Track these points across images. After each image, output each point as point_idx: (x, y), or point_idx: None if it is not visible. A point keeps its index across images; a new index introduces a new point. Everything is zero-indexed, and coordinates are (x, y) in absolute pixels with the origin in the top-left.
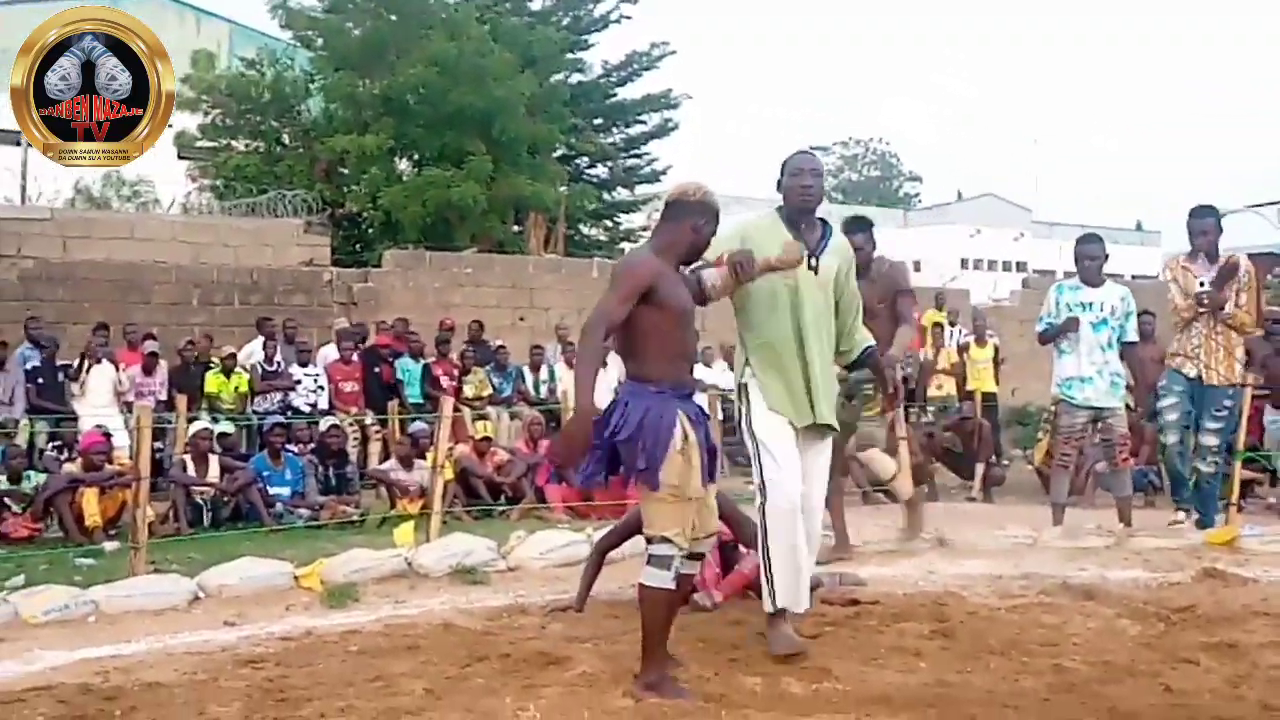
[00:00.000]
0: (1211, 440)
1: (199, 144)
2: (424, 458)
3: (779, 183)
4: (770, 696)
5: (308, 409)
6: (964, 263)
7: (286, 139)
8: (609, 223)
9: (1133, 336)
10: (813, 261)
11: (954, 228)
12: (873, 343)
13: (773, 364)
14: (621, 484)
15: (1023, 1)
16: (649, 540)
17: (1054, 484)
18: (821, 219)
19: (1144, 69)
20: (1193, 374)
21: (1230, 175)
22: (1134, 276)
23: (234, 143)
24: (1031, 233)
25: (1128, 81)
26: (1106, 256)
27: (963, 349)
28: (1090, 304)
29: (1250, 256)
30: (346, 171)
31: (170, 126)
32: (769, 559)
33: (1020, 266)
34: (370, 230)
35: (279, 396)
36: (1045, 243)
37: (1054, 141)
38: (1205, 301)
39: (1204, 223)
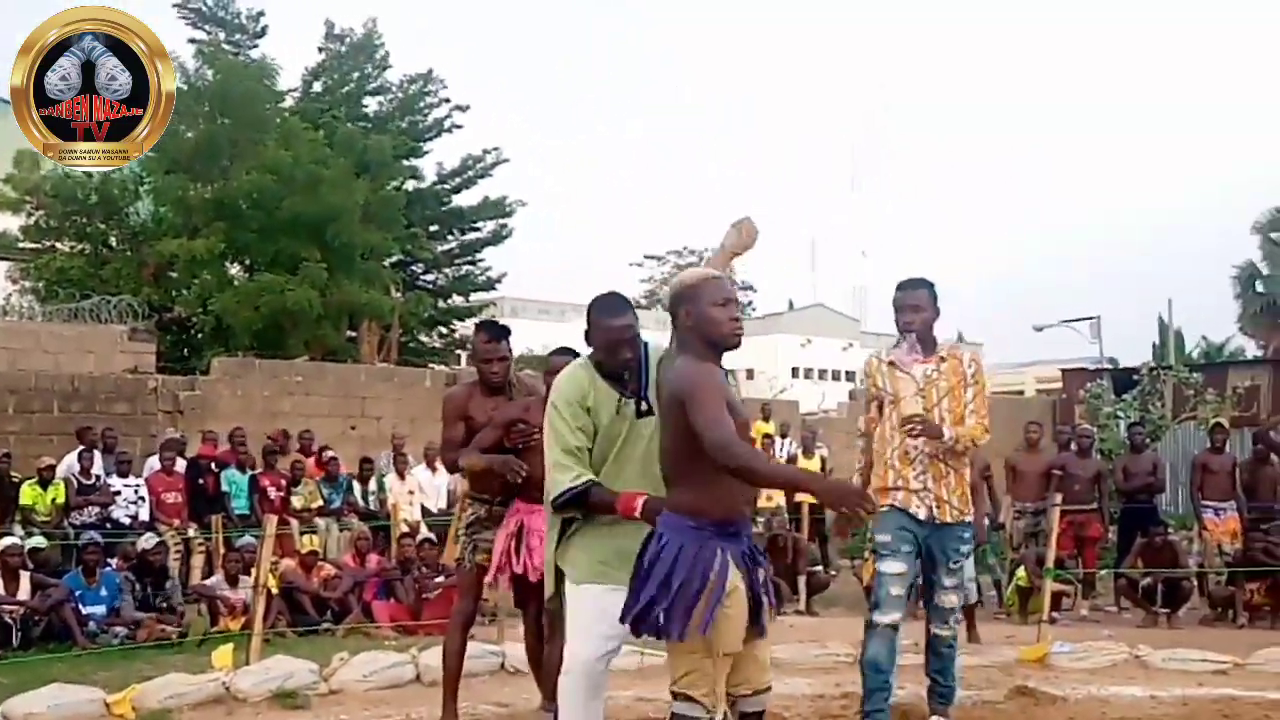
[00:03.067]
0: (952, 599)
1: (21, 245)
2: (249, 573)
3: (586, 334)
4: None
5: (128, 521)
6: (795, 371)
7: (114, 241)
8: (444, 329)
9: None
10: (642, 406)
11: (785, 337)
12: None
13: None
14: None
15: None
16: (672, 695)
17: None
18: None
19: (969, 185)
20: (923, 515)
21: (1045, 290)
22: None
23: (58, 244)
24: (860, 343)
25: (953, 194)
26: None
27: (791, 460)
28: None
29: (1065, 371)
30: (176, 276)
31: None
32: None
33: (849, 376)
34: (200, 336)
35: (97, 509)
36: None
37: (882, 254)
38: (918, 431)
39: (915, 295)
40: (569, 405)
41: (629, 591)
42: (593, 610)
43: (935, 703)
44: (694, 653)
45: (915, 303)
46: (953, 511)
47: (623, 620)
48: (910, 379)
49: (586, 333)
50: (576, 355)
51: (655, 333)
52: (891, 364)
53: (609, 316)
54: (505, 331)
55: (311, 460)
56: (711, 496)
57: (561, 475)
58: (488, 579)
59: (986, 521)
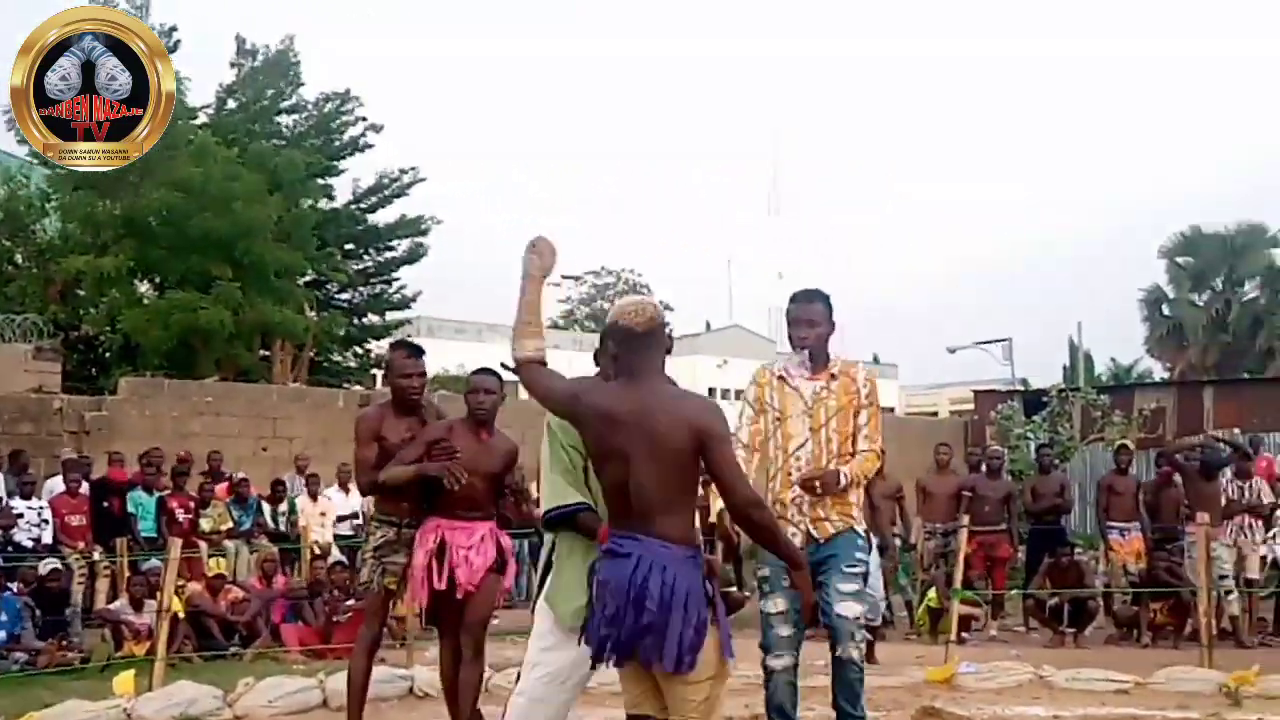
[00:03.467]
0: (852, 607)
1: None
2: (155, 596)
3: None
4: None
5: (30, 544)
6: (711, 391)
7: (19, 259)
8: (359, 349)
9: None
10: None
11: (703, 358)
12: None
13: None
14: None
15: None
16: None
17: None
18: None
19: (885, 209)
20: (800, 540)
21: (960, 312)
22: None
23: None
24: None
25: (868, 218)
26: None
27: (705, 484)
28: None
29: (978, 392)
30: (83, 293)
31: None
32: None
33: None
34: (108, 355)
35: None
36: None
37: (798, 277)
38: (819, 489)
39: (810, 309)
40: (564, 428)
41: (626, 628)
42: (568, 657)
43: None
44: (714, 678)
45: (810, 317)
46: (834, 525)
47: (649, 663)
48: (798, 396)
49: (596, 355)
50: (496, 375)
51: (571, 353)
52: (781, 378)
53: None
54: (421, 350)
55: (223, 483)
56: (691, 526)
57: (556, 493)
58: (407, 599)
59: (899, 542)
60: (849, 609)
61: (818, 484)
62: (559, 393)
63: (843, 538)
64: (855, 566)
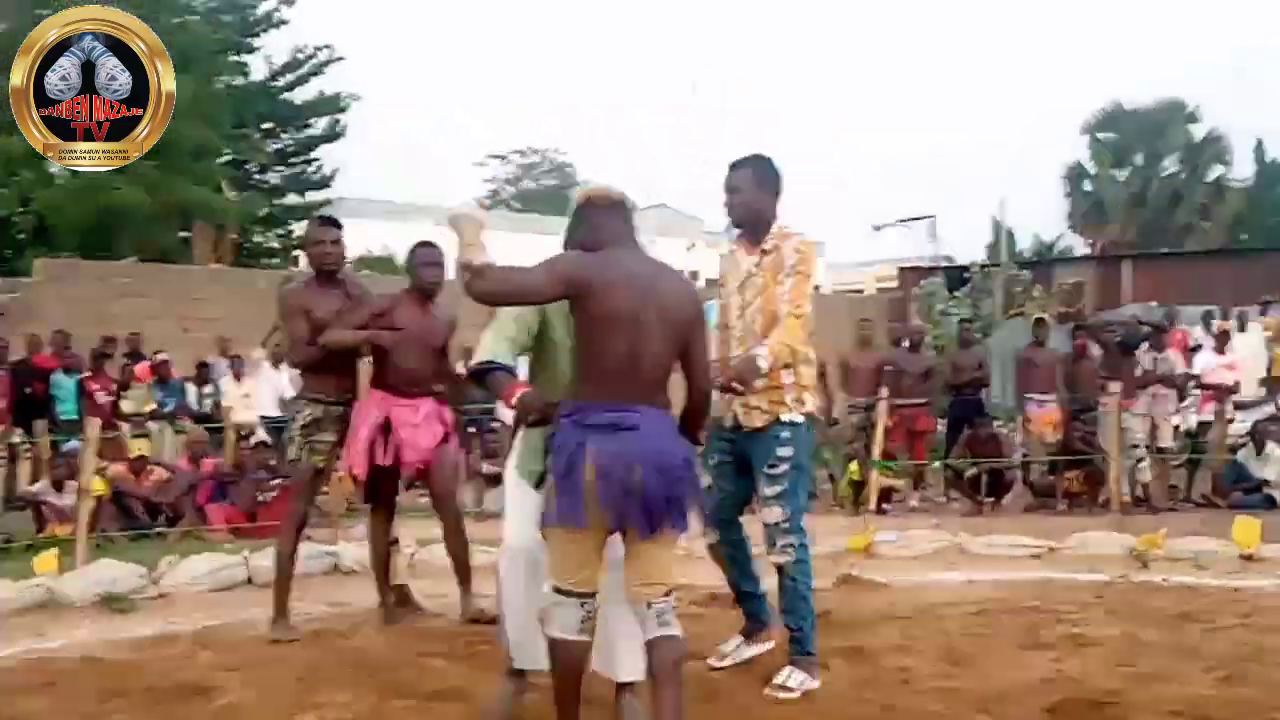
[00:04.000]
0: (774, 513)
1: None
2: (77, 479)
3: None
4: None
5: None
6: None
7: None
8: (281, 230)
9: None
10: None
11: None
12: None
13: None
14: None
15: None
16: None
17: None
18: None
19: (811, 89)
20: (728, 423)
21: (887, 192)
22: None
23: None
24: (704, 241)
25: (796, 97)
26: None
27: None
28: None
29: (902, 269)
30: None
31: None
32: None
33: (694, 275)
34: (21, 237)
35: None
36: (717, 251)
37: (723, 159)
38: (738, 387)
39: (735, 175)
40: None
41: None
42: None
43: (791, 651)
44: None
45: (734, 184)
46: (761, 416)
47: (653, 528)
48: (737, 270)
49: (568, 236)
50: (436, 248)
51: (502, 234)
52: (732, 251)
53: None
54: (336, 222)
55: (144, 364)
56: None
57: (485, 348)
58: (348, 471)
59: (822, 418)
60: (769, 514)
61: (736, 384)
62: (542, 282)
63: (766, 433)
64: (776, 466)
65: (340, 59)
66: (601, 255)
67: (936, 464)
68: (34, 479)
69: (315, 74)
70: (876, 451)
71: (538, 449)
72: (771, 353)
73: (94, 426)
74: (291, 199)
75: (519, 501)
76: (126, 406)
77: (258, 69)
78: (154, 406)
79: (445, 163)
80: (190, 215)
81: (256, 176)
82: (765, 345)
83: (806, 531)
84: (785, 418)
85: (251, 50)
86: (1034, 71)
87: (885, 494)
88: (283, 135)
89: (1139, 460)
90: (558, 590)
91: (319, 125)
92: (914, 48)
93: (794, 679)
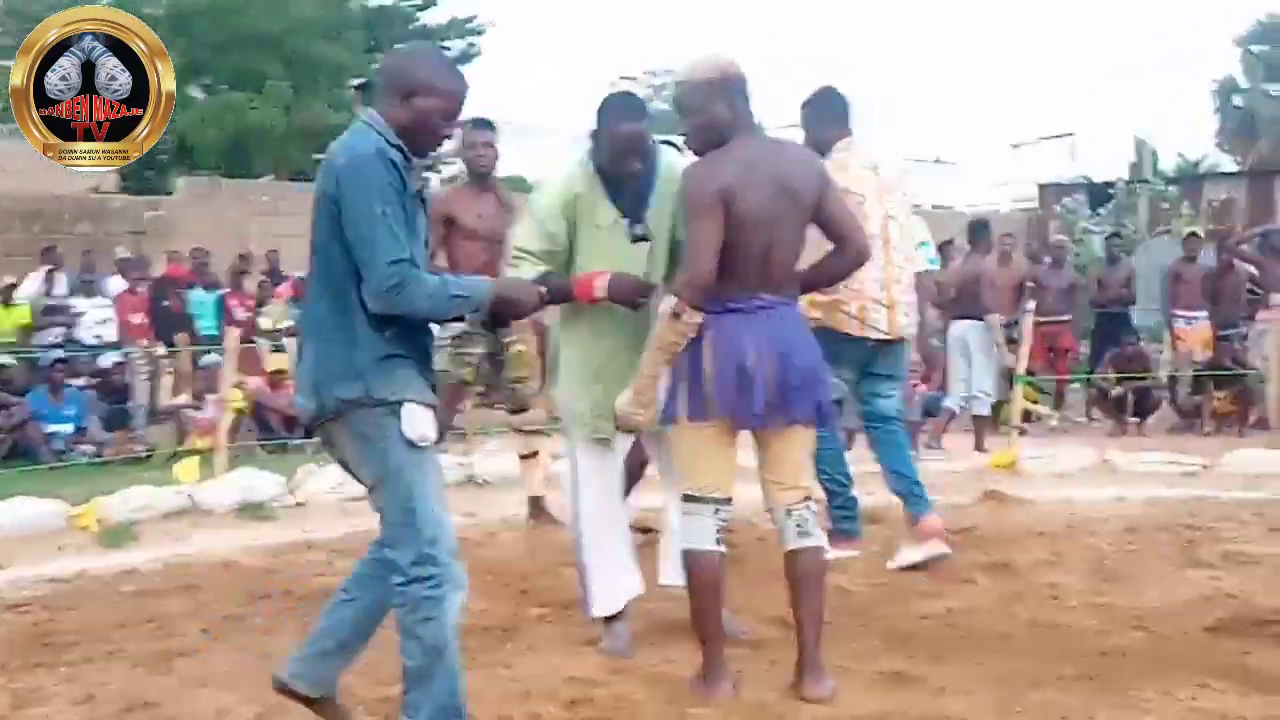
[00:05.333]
0: (894, 403)
1: None
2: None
3: (593, 134)
4: None
5: (93, 342)
6: None
7: None
8: None
9: (921, 266)
10: (637, 230)
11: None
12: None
13: None
14: None
15: None
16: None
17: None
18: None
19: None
20: (863, 332)
21: (1023, 109)
22: (934, 206)
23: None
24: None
25: (931, 17)
26: None
27: None
28: None
29: (1042, 187)
30: None
31: None
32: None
33: None
34: (163, 157)
35: (62, 330)
36: None
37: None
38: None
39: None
40: (549, 204)
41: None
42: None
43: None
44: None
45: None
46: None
47: (793, 420)
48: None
49: (594, 133)
50: (492, 125)
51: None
52: None
53: (619, 120)
54: (490, 123)
55: (286, 283)
56: None
57: (510, 272)
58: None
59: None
60: (888, 406)
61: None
62: (711, 231)
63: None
64: (900, 370)
65: None
66: (731, 154)
67: (1076, 384)
68: (175, 393)
69: None
70: (1021, 367)
71: (598, 398)
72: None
73: (233, 338)
74: None
75: (588, 458)
76: (264, 323)
77: None
78: (290, 323)
79: (577, 86)
80: (325, 135)
81: None
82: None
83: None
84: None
85: None
86: None
87: (1024, 415)
88: None
89: None
90: (688, 498)
91: (454, 49)
92: None
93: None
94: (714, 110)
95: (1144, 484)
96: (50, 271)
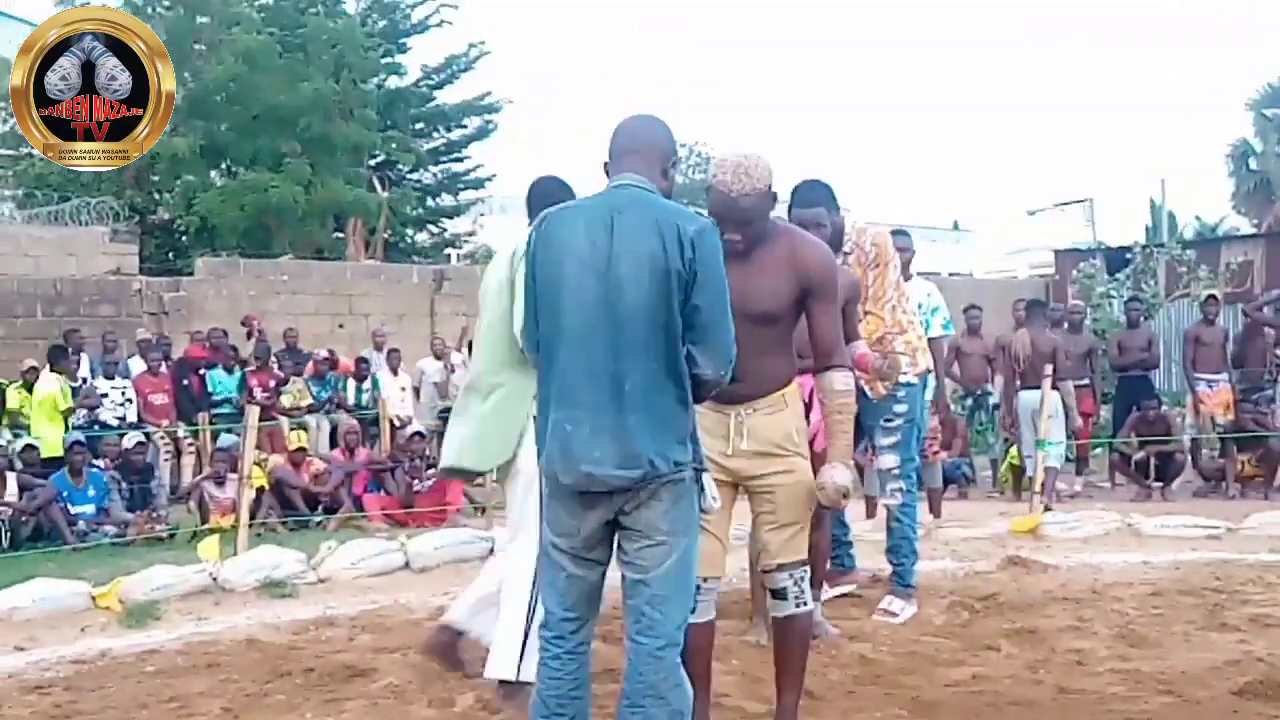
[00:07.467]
0: (891, 460)
1: None
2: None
3: None
4: None
5: (116, 423)
6: None
7: None
8: (433, 228)
9: (936, 331)
10: None
11: None
12: None
13: None
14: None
15: (838, 9)
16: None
17: (866, 477)
18: None
19: (952, 71)
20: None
21: (1037, 174)
22: (950, 274)
23: (34, 151)
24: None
25: (940, 82)
26: (913, 253)
27: None
28: None
29: (1058, 253)
30: (158, 179)
31: None
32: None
33: None
34: (184, 238)
35: (85, 411)
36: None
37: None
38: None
39: (809, 214)
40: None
41: None
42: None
43: (894, 584)
44: None
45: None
46: (884, 387)
47: None
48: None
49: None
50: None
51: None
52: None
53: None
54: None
55: (311, 364)
56: None
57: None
58: None
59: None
60: (884, 461)
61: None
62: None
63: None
64: (891, 420)
65: (488, 53)
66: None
67: (1097, 450)
68: (197, 473)
69: (465, 70)
70: (1043, 430)
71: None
72: (906, 344)
73: (253, 414)
74: (445, 199)
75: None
76: (284, 401)
77: (411, 71)
78: (310, 401)
79: (595, 161)
80: (343, 214)
81: (409, 177)
82: (900, 338)
83: (914, 480)
84: (901, 379)
85: (404, 51)
86: (1194, 45)
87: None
88: (433, 135)
89: None
90: None
91: (471, 125)
92: (1067, 23)
93: (896, 605)
94: (768, 214)
95: (1168, 548)
96: (73, 354)
